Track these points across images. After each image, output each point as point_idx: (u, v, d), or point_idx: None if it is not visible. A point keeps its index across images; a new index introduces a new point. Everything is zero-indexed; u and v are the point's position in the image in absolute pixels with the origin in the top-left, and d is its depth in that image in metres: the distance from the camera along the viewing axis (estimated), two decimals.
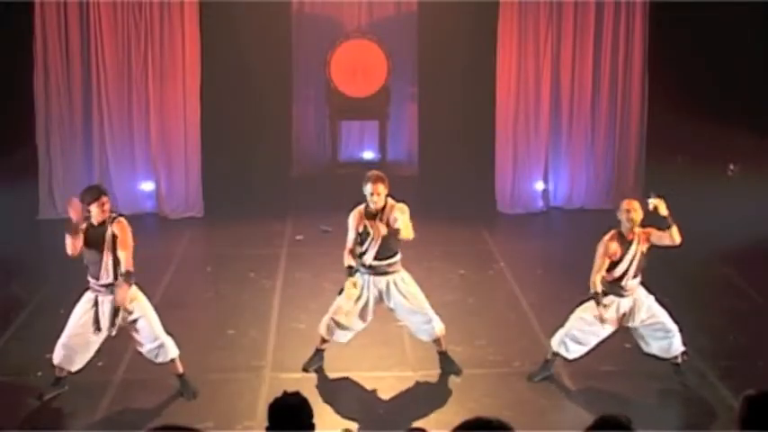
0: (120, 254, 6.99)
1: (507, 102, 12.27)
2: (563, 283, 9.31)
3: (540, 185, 12.55)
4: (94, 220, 6.99)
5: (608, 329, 7.30)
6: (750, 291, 9.56)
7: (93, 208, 6.95)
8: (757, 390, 3.80)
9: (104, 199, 7.00)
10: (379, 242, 7.30)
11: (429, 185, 13.27)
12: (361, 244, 7.37)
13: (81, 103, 11.95)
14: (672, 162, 12.49)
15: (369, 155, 13.96)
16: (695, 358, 7.73)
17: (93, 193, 7.04)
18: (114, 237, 6.98)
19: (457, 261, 10.48)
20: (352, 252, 7.37)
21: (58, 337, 7.13)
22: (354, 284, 7.30)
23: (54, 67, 11.73)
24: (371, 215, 7.31)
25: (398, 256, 7.46)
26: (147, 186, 12.30)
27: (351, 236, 7.37)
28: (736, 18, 11.93)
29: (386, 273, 7.41)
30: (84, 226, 6.98)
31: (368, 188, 7.27)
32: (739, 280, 9.84)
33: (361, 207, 7.38)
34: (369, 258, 7.38)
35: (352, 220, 7.37)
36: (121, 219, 7.12)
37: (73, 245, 6.93)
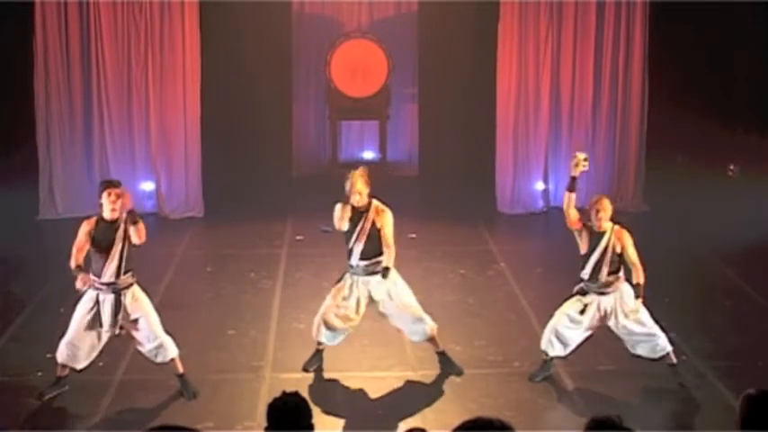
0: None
1: (507, 101, 12.26)
2: (563, 283, 9.24)
3: (540, 185, 12.55)
4: (106, 215, 6.98)
5: (591, 324, 7.27)
6: (750, 291, 9.55)
7: (103, 198, 6.96)
8: (757, 389, 3.80)
9: (112, 190, 6.97)
10: (363, 240, 7.29)
11: (429, 185, 13.29)
12: (347, 242, 7.37)
13: (81, 103, 11.95)
14: (672, 161, 12.50)
15: (369, 155, 13.96)
16: (695, 358, 7.73)
17: (104, 184, 7.14)
18: (126, 235, 6.98)
19: (457, 261, 10.47)
20: None
21: (58, 336, 7.13)
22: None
23: (54, 67, 11.73)
24: (357, 213, 7.29)
25: (383, 256, 7.37)
26: (148, 186, 12.30)
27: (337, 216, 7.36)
28: (737, 18, 11.95)
29: (374, 272, 7.37)
30: (94, 219, 7.00)
31: (347, 186, 7.25)
32: (739, 280, 9.83)
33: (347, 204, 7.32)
34: (355, 258, 7.36)
35: (339, 211, 7.32)
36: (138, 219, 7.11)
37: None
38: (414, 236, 10.82)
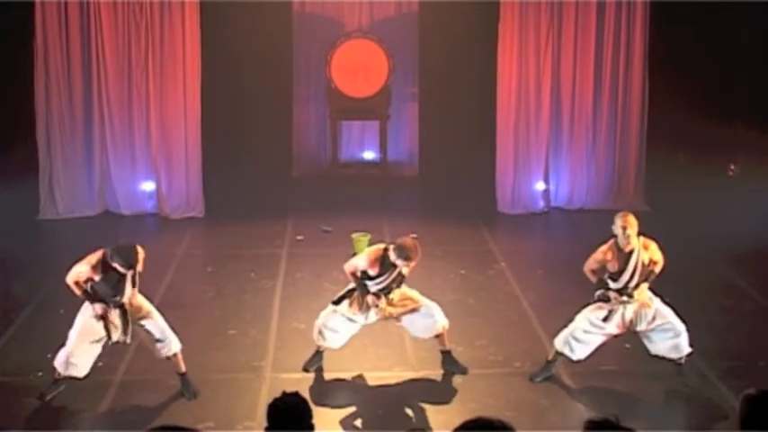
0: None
1: (508, 102, 12.25)
2: (564, 283, 9.30)
3: (540, 186, 12.54)
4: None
5: (612, 331, 7.28)
6: (750, 291, 9.54)
7: (119, 268, 6.81)
8: (757, 389, 3.79)
9: (131, 272, 6.86)
10: (386, 283, 7.34)
11: (429, 185, 13.29)
12: (369, 279, 7.36)
13: (81, 103, 11.94)
14: (672, 161, 12.50)
15: (369, 155, 13.97)
16: (696, 358, 7.70)
17: (127, 263, 6.79)
18: (133, 279, 6.97)
19: (457, 261, 10.47)
20: (354, 275, 7.40)
21: (58, 337, 7.12)
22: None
23: (54, 66, 11.72)
24: (389, 266, 7.27)
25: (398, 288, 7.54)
26: (148, 186, 12.30)
27: (360, 267, 7.33)
28: (737, 17, 11.95)
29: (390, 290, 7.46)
30: (101, 259, 6.87)
31: (402, 263, 7.21)
32: (739, 280, 9.83)
33: (380, 250, 7.30)
34: (372, 288, 7.39)
35: (369, 263, 7.28)
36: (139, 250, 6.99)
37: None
38: (414, 236, 10.80)
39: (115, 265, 6.77)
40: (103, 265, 6.84)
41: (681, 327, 7.27)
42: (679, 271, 9.38)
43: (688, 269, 9.86)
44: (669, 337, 7.28)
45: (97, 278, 6.86)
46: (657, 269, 7.25)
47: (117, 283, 6.91)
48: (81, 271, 6.87)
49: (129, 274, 6.88)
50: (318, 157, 14.00)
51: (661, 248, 7.31)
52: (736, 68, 12.52)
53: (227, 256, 10.78)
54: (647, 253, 7.20)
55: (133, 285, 7.01)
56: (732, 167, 12.80)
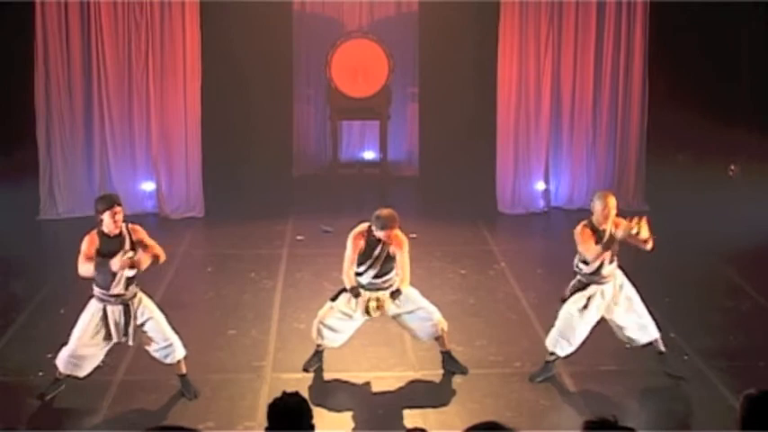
0: (154, 250, 7.01)
1: (508, 101, 12.26)
2: (564, 283, 9.22)
3: (540, 185, 12.54)
4: (107, 231, 6.86)
5: (595, 316, 7.32)
6: (750, 291, 9.54)
7: (105, 217, 6.83)
8: (757, 389, 3.80)
9: (117, 209, 6.85)
10: (378, 266, 7.33)
11: (429, 185, 13.29)
12: (359, 265, 7.36)
13: (82, 103, 11.93)
14: (673, 161, 12.50)
15: (369, 155, 13.96)
16: (696, 358, 7.72)
17: (106, 202, 6.91)
18: (132, 246, 6.93)
19: (457, 261, 10.47)
20: (349, 273, 7.38)
21: (58, 337, 7.12)
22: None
23: (54, 66, 11.71)
24: (374, 242, 7.28)
25: (394, 272, 7.46)
26: (148, 186, 12.30)
27: (349, 254, 7.33)
28: (738, 17, 11.95)
29: (380, 289, 7.44)
30: (95, 233, 6.88)
31: (382, 234, 7.22)
32: (739, 280, 9.83)
33: (364, 227, 7.35)
34: (366, 279, 7.39)
35: (353, 240, 7.32)
36: (136, 226, 7.04)
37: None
38: (414, 236, 10.79)
39: (98, 217, 6.83)
40: (98, 231, 6.87)
41: (647, 316, 7.35)
42: (679, 271, 9.43)
43: (688, 269, 9.87)
44: (634, 319, 7.33)
45: (97, 244, 6.85)
46: (619, 234, 7.07)
47: (113, 254, 6.84)
48: (83, 250, 6.85)
49: (106, 218, 6.81)
50: (319, 157, 13.99)
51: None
52: (737, 68, 12.52)
53: (227, 256, 10.78)
54: (614, 227, 7.16)
55: (133, 250, 6.92)
56: (732, 168, 12.80)
